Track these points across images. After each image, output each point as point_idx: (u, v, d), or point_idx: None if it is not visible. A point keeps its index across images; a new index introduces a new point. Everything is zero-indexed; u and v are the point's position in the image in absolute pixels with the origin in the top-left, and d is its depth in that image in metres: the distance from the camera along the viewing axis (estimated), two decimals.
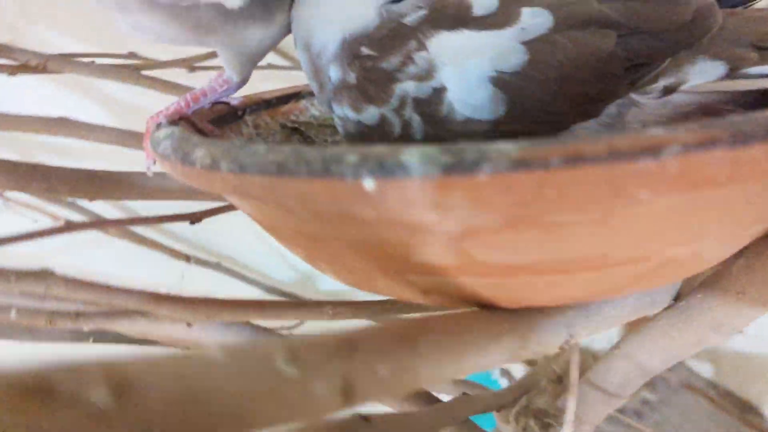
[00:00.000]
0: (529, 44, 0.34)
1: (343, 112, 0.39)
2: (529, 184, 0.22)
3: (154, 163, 0.41)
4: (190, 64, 0.60)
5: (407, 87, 0.37)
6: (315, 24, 0.40)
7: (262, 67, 0.69)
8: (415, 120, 0.37)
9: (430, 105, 0.36)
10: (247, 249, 1.03)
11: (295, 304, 0.43)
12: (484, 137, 0.36)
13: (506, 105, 0.35)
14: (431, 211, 0.23)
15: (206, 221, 0.56)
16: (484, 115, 0.35)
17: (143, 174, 0.56)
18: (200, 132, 0.38)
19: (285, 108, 0.53)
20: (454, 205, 0.23)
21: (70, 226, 0.36)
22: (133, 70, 0.52)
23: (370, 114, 0.38)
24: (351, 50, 0.38)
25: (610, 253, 0.27)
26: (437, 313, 0.30)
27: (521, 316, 0.33)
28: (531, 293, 0.31)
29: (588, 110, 0.35)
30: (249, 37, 0.40)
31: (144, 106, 0.78)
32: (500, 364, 0.31)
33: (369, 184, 0.23)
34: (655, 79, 0.34)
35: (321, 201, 0.25)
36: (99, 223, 0.38)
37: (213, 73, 0.44)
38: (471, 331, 0.30)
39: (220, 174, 0.27)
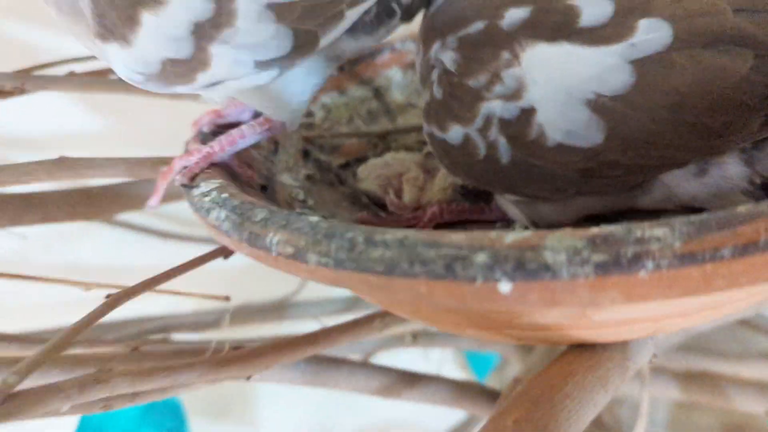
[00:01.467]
0: (637, 63, 0.29)
1: (430, 129, 0.35)
2: (695, 278, 0.19)
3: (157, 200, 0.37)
4: None
5: (493, 106, 0.32)
6: (438, 22, 0.36)
7: None
8: (501, 142, 0.32)
9: (517, 126, 0.32)
10: None
11: (344, 327, 0.41)
12: (578, 167, 0.32)
13: (605, 132, 0.30)
14: (577, 308, 0.21)
15: None
16: (579, 142, 0.31)
17: (137, 183, 0.52)
18: (235, 176, 0.34)
19: None
20: (607, 301, 0.20)
21: (113, 302, 0.32)
22: (121, 81, 0.47)
23: (455, 133, 0.34)
24: (441, 61, 0.34)
25: (735, 300, 0.25)
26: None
27: (617, 347, 0.31)
28: (637, 333, 0.29)
29: (710, 146, 0.30)
30: (304, 81, 0.36)
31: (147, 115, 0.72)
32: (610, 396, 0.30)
33: (505, 287, 0.20)
34: None
35: (439, 299, 0.22)
36: (144, 285, 0.34)
37: None
38: (594, 370, 0.28)
39: (307, 266, 0.24)
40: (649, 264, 0.19)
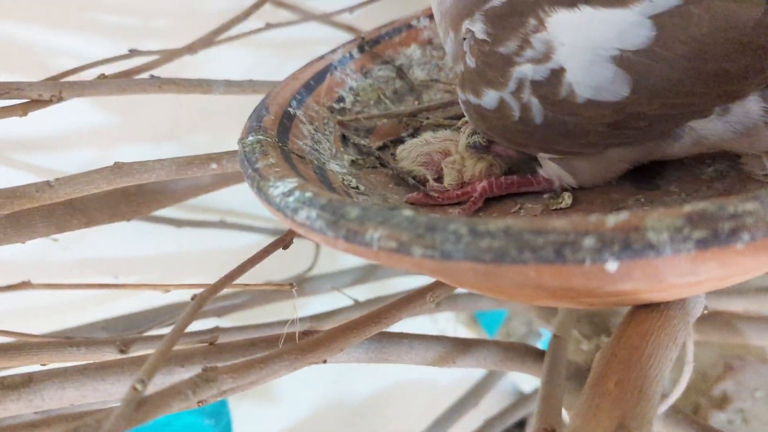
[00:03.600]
0: (657, 18, 0.32)
1: (465, 96, 0.38)
2: None
3: None
4: (194, 49, 0.55)
5: (525, 70, 0.35)
6: (461, 7, 0.37)
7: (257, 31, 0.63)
8: (534, 103, 0.35)
9: (548, 87, 0.34)
10: (248, 197, 1.00)
11: (400, 303, 0.43)
12: (607, 120, 0.34)
13: (630, 86, 0.33)
14: (677, 279, 0.23)
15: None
16: (607, 97, 0.34)
17: (174, 180, 0.52)
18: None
19: (324, 86, 0.49)
20: (704, 271, 0.22)
21: (201, 300, 0.34)
22: (152, 79, 0.47)
23: (490, 98, 0.36)
24: (473, 32, 0.36)
25: None
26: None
27: (678, 303, 0.33)
28: (700, 291, 0.31)
29: (731, 91, 0.32)
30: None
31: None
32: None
33: (612, 266, 0.22)
34: None
35: (545, 281, 0.24)
36: (223, 281, 0.36)
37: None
38: (664, 327, 0.30)
39: (412, 259, 0.25)
40: (745, 236, 0.21)
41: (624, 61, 0.32)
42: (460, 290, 0.69)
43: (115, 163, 0.40)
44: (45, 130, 0.65)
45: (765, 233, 0.21)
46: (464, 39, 0.37)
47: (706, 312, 0.36)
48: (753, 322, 0.65)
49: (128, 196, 0.52)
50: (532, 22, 0.34)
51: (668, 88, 0.32)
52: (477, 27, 0.36)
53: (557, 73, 0.34)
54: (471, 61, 0.37)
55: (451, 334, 0.47)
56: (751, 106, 0.33)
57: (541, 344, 0.81)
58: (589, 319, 0.73)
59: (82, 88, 0.44)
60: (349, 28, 0.69)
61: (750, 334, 0.66)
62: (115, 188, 0.49)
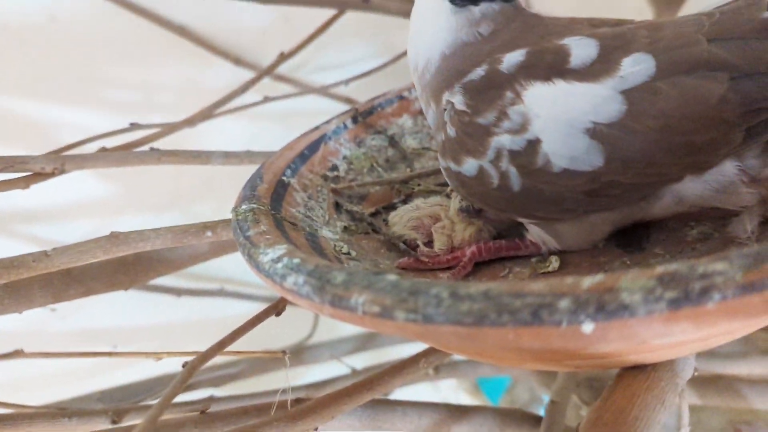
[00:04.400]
0: (628, 93, 0.33)
1: (447, 164, 0.39)
2: (756, 303, 0.22)
3: None
4: (193, 122, 0.57)
5: (503, 140, 0.36)
6: (440, 81, 0.40)
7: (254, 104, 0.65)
8: (512, 171, 0.36)
9: (526, 157, 0.36)
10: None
11: (394, 370, 0.43)
12: (583, 189, 0.35)
13: (604, 156, 0.34)
14: (654, 339, 0.23)
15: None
16: (582, 167, 0.35)
17: (172, 248, 0.53)
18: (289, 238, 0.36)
19: (319, 155, 0.50)
20: (679, 331, 0.23)
21: (191, 368, 0.34)
22: (152, 151, 0.49)
23: (470, 165, 0.38)
24: (453, 103, 0.38)
25: None
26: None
27: (666, 365, 0.33)
28: (686, 352, 0.32)
29: (699, 161, 0.34)
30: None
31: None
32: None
33: (588, 327, 0.23)
34: None
35: (525, 343, 0.24)
36: (215, 349, 0.36)
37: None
38: (651, 389, 0.30)
39: (395, 323, 0.26)
40: (716, 295, 0.22)
41: (597, 133, 0.34)
42: (458, 357, 0.69)
43: (112, 233, 0.41)
44: (46, 202, 0.66)
45: (735, 293, 0.22)
46: (444, 110, 0.39)
47: (696, 374, 0.36)
48: (757, 385, 0.64)
49: (126, 265, 0.52)
50: (509, 95, 0.36)
51: (640, 159, 0.34)
52: (457, 99, 0.38)
53: (534, 144, 0.35)
54: (451, 131, 0.38)
55: (453, 402, 0.47)
56: (725, 167, 0.34)
57: (542, 410, 0.80)
58: (588, 384, 0.72)
59: (83, 161, 0.46)
60: (346, 100, 0.71)
61: (754, 398, 0.65)
62: (113, 258, 0.50)
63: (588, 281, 0.23)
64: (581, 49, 0.35)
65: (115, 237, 0.41)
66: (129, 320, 0.79)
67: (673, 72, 0.33)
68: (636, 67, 0.33)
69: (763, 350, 0.71)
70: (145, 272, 0.53)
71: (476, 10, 0.40)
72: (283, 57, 0.62)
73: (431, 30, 0.40)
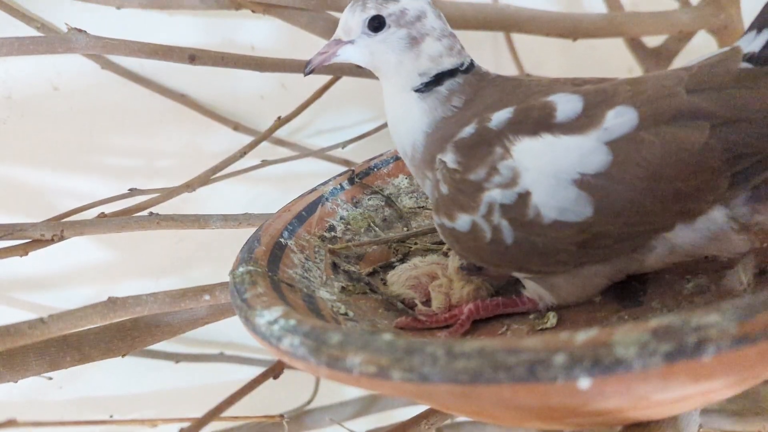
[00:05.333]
0: (613, 144, 0.34)
1: (441, 220, 0.40)
2: (752, 355, 0.22)
3: None
4: (192, 186, 0.57)
5: (494, 195, 0.37)
6: (431, 151, 0.41)
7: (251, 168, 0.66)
8: (504, 225, 0.37)
9: (517, 209, 0.36)
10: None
11: (394, 431, 0.42)
12: (574, 240, 0.36)
13: (593, 206, 0.35)
14: (653, 394, 0.23)
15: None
16: (572, 217, 0.35)
17: (170, 313, 0.53)
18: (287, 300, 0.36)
19: (316, 216, 0.51)
20: (677, 385, 0.22)
21: None
22: (151, 216, 0.49)
23: (463, 221, 0.38)
24: (445, 162, 0.39)
25: None
26: None
27: (669, 422, 0.33)
28: (688, 407, 0.31)
29: (687, 209, 0.34)
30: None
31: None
32: None
33: (584, 383, 0.22)
34: None
35: (522, 401, 0.24)
36: (211, 414, 0.36)
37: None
38: None
39: (392, 383, 0.25)
40: (711, 348, 0.22)
41: (585, 183, 0.34)
42: (462, 417, 0.68)
43: (109, 298, 0.41)
44: (45, 268, 0.66)
45: (730, 345, 0.22)
46: (437, 169, 0.39)
47: (702, 430, 0.35)
48: None
49: (123, 331, 0.52)
50: (499, 150, 0.37)
51: (629, 208, 0.34)
52: (448, 157, 0.38)
53: (524, 197, 0.36)
54: (444, 188, 0.39)
55: None
56: (715, 214, 0.35)
57: None
58: None
59: (82, 227, 0.46)
60: (344, 162, 0.72)
61: None
62: (110, 323, 0.50)
63: (582, 336, 0.23)
64: (566, 104, 0.36)
65: (112, 302, 0.41)
66: (126, 388, 0.78)
67: (656, 122, 0.34)
68: (619, 118, 0.34)
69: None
70: (142, 338, 0.53)
71: (442, 89, 0.41)
72: (280, 121, 0.64)
73: (407, 118, 0.42)
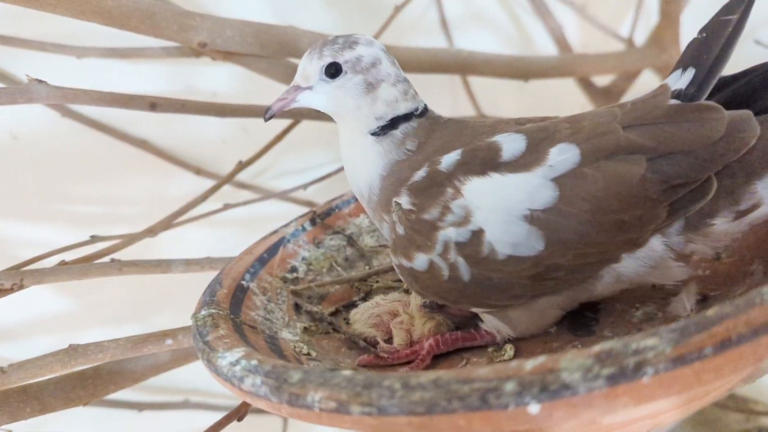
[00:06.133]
0: (558, 180, 0.36)
1: (399, 261, 0.41)
2: (688, 375, 0.23)
3: None
4: (154, 231, 0.58)
5: (449, 233, 0.38)
6: (386, 194, 0.42)
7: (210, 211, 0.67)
8: (460, 262, 0.38)
9: (471, 247, 0.37)
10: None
11: None
12: (528, 273, 0.37)
13: (544, 240, 0.36)
14: (595, 415, 0.24)
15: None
16: (525, 252, 0.37)
17: (132, 359, 0.53)
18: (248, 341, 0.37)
19: (278, 258, 0.52)
20: (620, 407, 0.24)
21: None
22: (113, 263, 0.49)
23: (420, 260, 0.39)
24: (400, 204, 0.40)
25: (719, 388, 0.29)
26: None
27: None
28: (639, 431, 0.32)
29: (631, 239, 0.36)
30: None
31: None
32: None
33: (534, 408, 0.23)
34: (717, 207, 0.35)
35: (476, 429, 0.25)
36: None
37: None
38: None
39: (352, 417, 0.26)
40: (650, 370, 0.23)
41: (535, 219, 0.36)
42: None
43: (70, 345, 0.41)
44: (5, 318, 0.65)
45: (667, 366, 0.23)
46: (393, 211, 0.41)
47: None
48: None
49: (84, 379, 0.51)
50: (450, 190, 0.38)
51: (577, 240, 0.36)
52: (403, 200, 0.40)
53: (478, 234, 0.37)
54: (401, 229, 0.40)
55: None
56: (653, 244, 0.37)
57: None
58: None
59: (42, 275, 0.46)
60: (306, 203, 0.73)
61: None
62: (71, 372, 0.49)
63: (531, 363, 0.24)
64: (511, 144, 0.38)
65: (73, 350, 0.41)
66: None
67: (597, 158, 0.36)
68: (562, 156, 0.36)
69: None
70: (104, 386, 0.52)
71: (397, 132, 0.43)
72: (242, 165, 0.65)
73: (364, 160, 0.43)
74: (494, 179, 0.37)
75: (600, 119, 0.37)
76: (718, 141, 0.34)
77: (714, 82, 0.36)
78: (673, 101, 0.36)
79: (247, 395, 0.30)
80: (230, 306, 0.42)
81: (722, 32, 0.36)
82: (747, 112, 0.35)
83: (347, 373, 0.27)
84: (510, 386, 0.24)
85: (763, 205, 0.35)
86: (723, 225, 0.36)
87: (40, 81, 0.49)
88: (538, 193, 0.36)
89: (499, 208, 0.37)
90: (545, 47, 0.89)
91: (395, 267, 0.41)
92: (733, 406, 0.83)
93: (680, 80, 0.37)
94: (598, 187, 0.35)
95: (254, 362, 0.31)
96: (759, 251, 0.40)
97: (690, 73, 0.36)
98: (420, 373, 0.26)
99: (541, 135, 0.38)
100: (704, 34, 0.37)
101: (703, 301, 0.39)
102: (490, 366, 0.25)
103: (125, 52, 0.62)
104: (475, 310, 0.41)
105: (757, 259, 0.40)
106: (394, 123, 0.43)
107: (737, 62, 0.38)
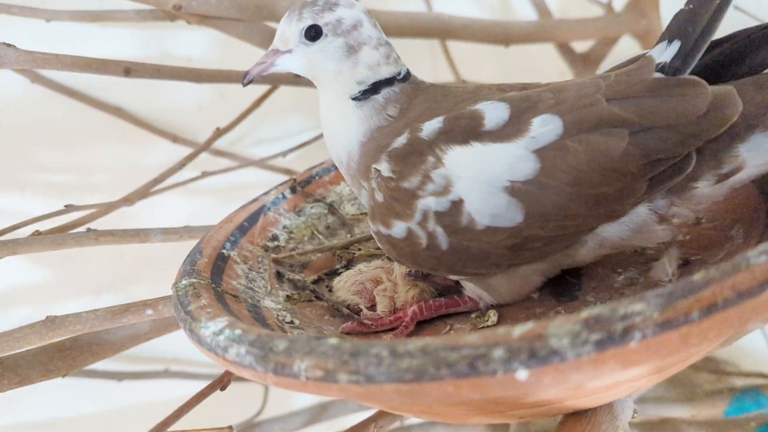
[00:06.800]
0: (540, 152, 0.36)
1: (377, 228, 0.40)
2: (674, 340, 0.23)
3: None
4: (130, 200, 0.57)
5: (428, 202, 0.38)
6: (366, 161, 0.41)
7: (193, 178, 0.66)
8: (439, 231, 0.38)
9: (451, 217, 0.37)
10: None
11: None
12: (506, 244, 0.37)
13: (524, 211, 0.36)
14: (582, 380, 0.24)
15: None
16: (504, 223, 0.37)
17: (111, 329, 0.52)
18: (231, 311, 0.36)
19: (258, 226, 0.51)
20: (608, 372, 0.24)
21: None
22: (89, 232, 0.48)
23: (399, 228, 0.39)
24: (379, 171, 0.39)
25: (700, 352, 0.30)
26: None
27: (605, 409, 0.34)
28: (621, 394, 0.33)
29: (611, 211, 0.36)
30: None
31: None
32: None
33: (522, 375, 0.24)
34: (698, 174, 0.35)
35: (465, 395, 0.25)
36: (158, 428, 0.35)
37: None
38: None
39: (339, 385, 0.26)
40: (637, 334, 0.23)
41: (515, 190, 0.36)
42: (411, 420, 0.68)
43: (48, 317, 0.40)
44: None
45: (654, 331, 0.23)
46: (372, 178, 0.40)
47: (636, 415, 0.37)
48: (702, 427, 0.66)
49: (62, 350, 0.51)
50: (431, 159, 0.38)
51: (557, 212, 0.36)
52: (383, 166, 0.39)
53: (457, 204, 0.37)
54: (379, 196, 0.39)
55: None
56: (638, 208, 0.37)
57: None
58: None
59: (16, 246, 0.45)
60: (285, 171, 0.72)
61: None
62: (49, 343, 0.49)
63: (519, 330, 0.24)
64: (494, 113, 0.37)
65: (50, 321, 0.40)
66: (68, 410, 0.75)
67: (579, 130, 0.35)
68: (545, 127, 0.36)
69: (707, 393, 0.73)
70: (83, 357, 0.52)
71: (378, 97, 0.42)
72: (219, 132, 0.63)
73: (344, 126, 0.42)
74: (476, 149, 0.37)
75: (584, 90, 0.37)
76: (701, 117, 0.34)
77: (699, 55, 0.36)
78: (658, 75, 0.36)
79: (232, 365, 0.30)
80: (211, 275, 0.41)
81: (709, 5, 0.35)
82: (730, 88, 0.34)
83: (334, 341, 0.27)
84: (498, 353, 0.24)
85: (745, 168, 0.35)
86: (705, 188, 0.36)
87: (8, 45, 0.47)
88: (519, 164, 0.36)
89: (480, 179, 0.36)
90: (525, 12, 0.88)
91: (373, 234, 0.41)
92: (704, 366, 0.85)
93: (665, 53, 0.36)
94: (579, 161, 0.35)
95: (238, 332, 0.31)
96: (739, 216, 0.41)
97: (675, 45, 0.36)
98: (407, 340, 0.26)
99: (524, 104, 0.37)
100: (691, 6, 0.36)
101: (684, 266, 0.39)
102: (478, 332, 0.25)
103: (97, 15, 0.60)
104: (454, 277, 0.41)
105: (737, 223, 0.40)
106: (375, 88, 0.42)
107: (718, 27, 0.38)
